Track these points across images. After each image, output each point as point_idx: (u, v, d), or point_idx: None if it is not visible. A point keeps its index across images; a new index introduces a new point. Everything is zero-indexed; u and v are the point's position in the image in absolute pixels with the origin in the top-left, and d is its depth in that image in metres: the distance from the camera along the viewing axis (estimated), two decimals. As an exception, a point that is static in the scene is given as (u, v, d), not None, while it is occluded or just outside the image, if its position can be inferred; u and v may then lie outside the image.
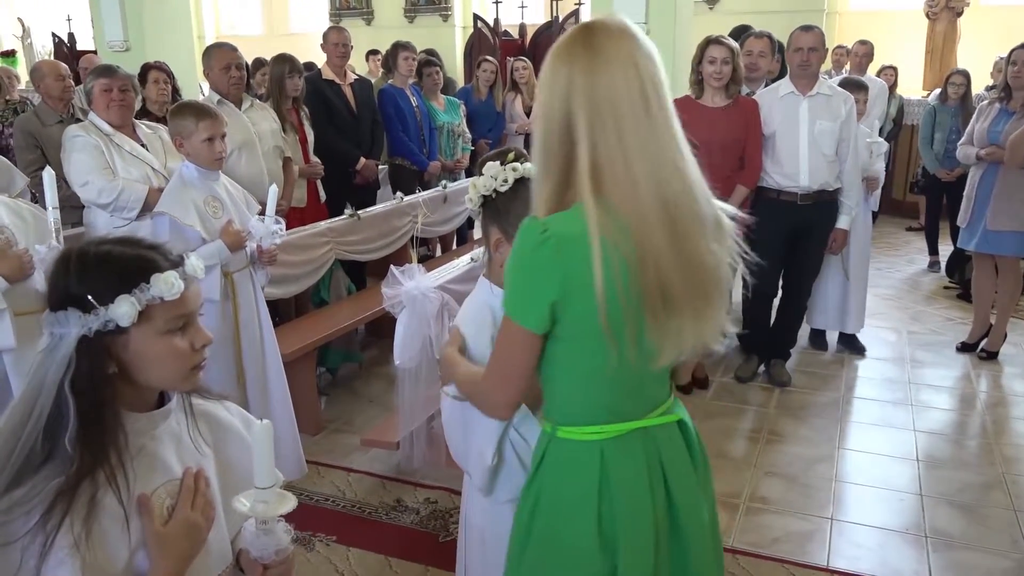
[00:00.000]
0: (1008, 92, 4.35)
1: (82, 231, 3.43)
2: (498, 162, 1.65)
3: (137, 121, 3.44)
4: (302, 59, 6.97)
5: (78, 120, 3.77)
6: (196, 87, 7.11)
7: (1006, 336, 4.59)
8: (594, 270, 1.23)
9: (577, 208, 1.27)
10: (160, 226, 2.76)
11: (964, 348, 4.65)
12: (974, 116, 4.63)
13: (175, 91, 4.81)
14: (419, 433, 3.38)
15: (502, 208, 1.64)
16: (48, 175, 2.40)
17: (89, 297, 1.14)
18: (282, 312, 4.21)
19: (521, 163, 1.65)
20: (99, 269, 1.17)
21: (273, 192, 2.87)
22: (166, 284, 1.17)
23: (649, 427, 1.41)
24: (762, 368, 4.34)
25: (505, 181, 1.63)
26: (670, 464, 1.42)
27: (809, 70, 3.90)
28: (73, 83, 4.46)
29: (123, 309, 1.14)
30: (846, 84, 4.31)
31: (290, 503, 1.24)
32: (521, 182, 1.61)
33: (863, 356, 4.62)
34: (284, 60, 4.50)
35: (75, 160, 3.20)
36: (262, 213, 2.90)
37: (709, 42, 3.79)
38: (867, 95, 4.56)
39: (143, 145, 3.34)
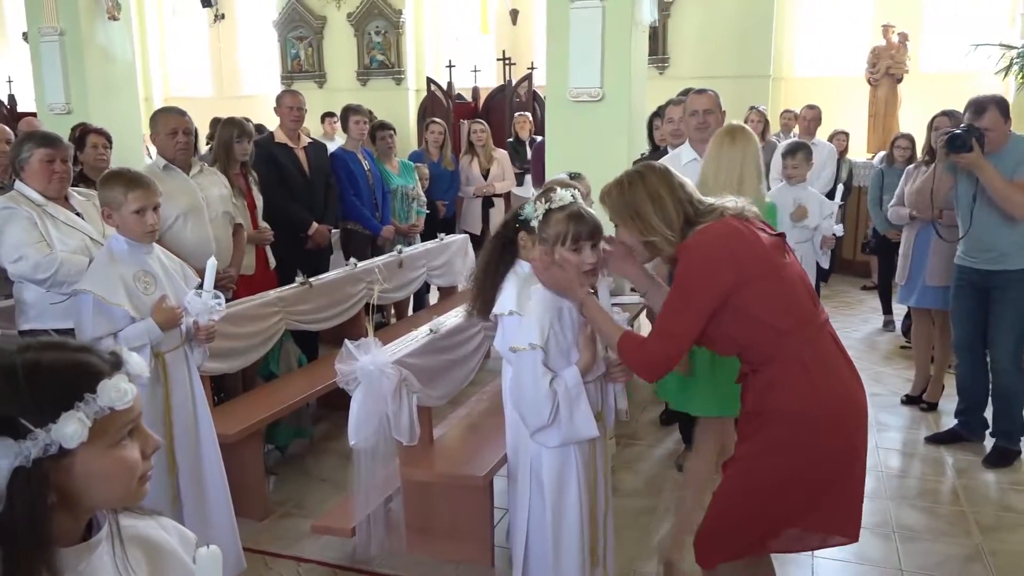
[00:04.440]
0: (934, 155, 4.45)
1: (11, 304, 3.20)
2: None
3: (70, 189, 3.24)
4: (253, 121, 6.84)
5: None
6: (142, 151, 6.92)
7: (944, 388, 4.71)
8: None
9: None
10: (83, 305, 2.51)
11: (908, 400, 4.81)
12: (902, 179, 4.84)
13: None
14: (376, 517, 3.16)
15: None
16: None
17: (23, 420, 0.95)
18: (227, 387, 3.96)
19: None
20: (31, 384, 0.97)
21: (212, 265, 2.63)
22: (117, 392, 0.99)
23: None
24: None
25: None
26: None
27: (707, 133, 3.61)
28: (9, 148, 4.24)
29: (70, 428, 0.95)
30: (791, 147, 4.35)
31: None
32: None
33: None
34: (233, 124, 4.34)
35: (6, 234, 2.96)
36: (200, 287, 2.69)
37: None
38: (810, 156, 4.65)
39: (78, 214, 3.12)
